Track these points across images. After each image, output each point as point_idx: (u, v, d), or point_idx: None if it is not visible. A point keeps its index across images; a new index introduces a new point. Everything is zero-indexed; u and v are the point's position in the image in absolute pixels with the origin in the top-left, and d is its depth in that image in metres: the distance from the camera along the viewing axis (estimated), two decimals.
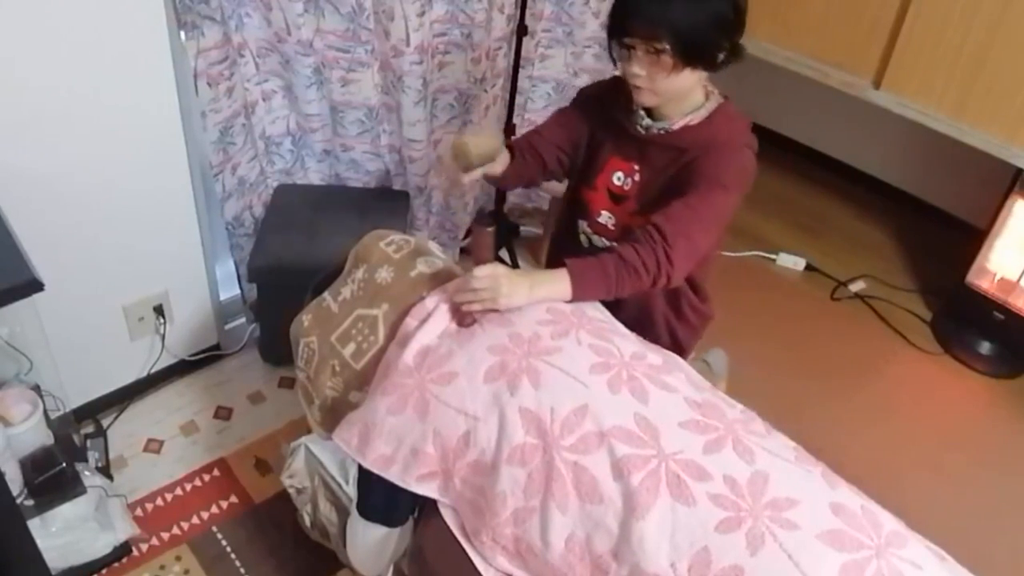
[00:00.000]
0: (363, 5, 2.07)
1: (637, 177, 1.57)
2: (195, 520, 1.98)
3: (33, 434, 1.73)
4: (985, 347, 2.69)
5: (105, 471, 2.02)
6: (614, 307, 1.48)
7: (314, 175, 2.45)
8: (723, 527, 1.10)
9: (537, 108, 2.72)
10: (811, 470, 1.21)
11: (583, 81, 2.69)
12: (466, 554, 1.26)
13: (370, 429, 1.29)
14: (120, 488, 2.00)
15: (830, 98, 2.79)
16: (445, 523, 1.29)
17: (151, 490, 2.04)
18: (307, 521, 1.86)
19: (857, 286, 2.97)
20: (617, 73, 1.53)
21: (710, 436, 1.20)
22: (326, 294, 1.50)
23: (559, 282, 1.39)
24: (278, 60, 2.15)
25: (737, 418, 1.26)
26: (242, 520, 1.99)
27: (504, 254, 2.66)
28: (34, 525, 1.63)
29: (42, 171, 1.78)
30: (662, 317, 1.69)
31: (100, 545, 1.82)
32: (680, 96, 1.48)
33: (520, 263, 2.74)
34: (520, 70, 2.46)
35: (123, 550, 1.87)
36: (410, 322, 1.36)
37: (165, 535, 1.94)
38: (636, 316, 1.52)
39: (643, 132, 1.53)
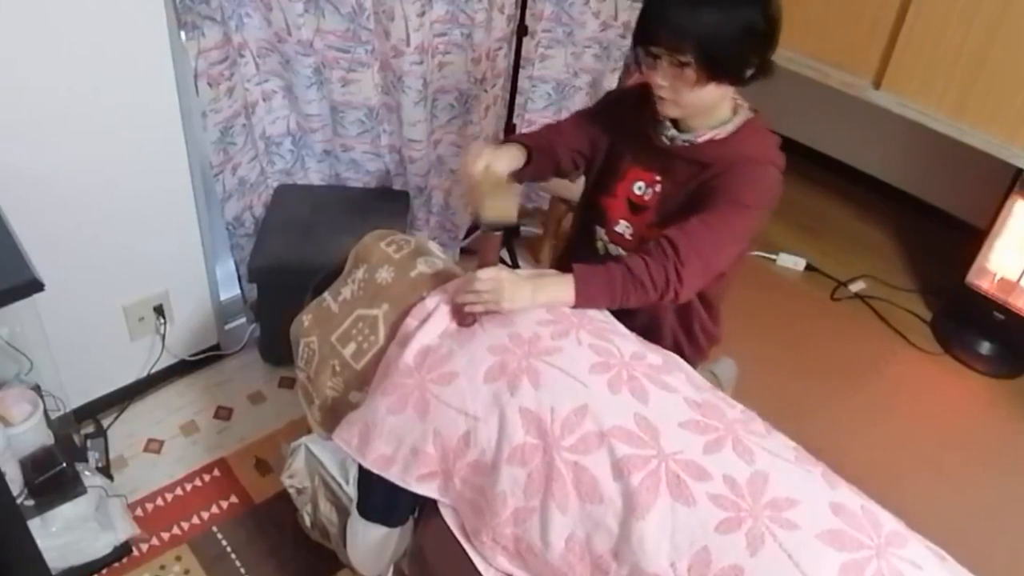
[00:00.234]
0: (363, 5, 2.07)
1: (658, 188, 1.53)
2: (195, 520, 1.98)
3: (33, 434, 1.73)
4: (985, 347, 2.69)
5: (105, 471, 2.02)
6: (624, 317, 1.45)
7: (314, 175, 2.45)
8: (723, 527, 1.10)
9: (537, 108, 2.72)
10: (811, 470, 1.21)
11: (583, 81, 2.69)
12: (466, 554, 1.26)
13: (370, 429, 1.29)
14: (120, 488, 2.00)
15: (830, 98, 2.79)
16: (445, 523, 1.29)
17: (151, 490, 2.04)
18: (307, 521, 1.86)
19: (857, 286, 2.97)
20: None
21: (710, 436, 1.21)
22: (326, 294, 1.50)
23: (563, 288, 1.38)
24: (278, 60, 2.15)
25: (737, 418, 1.26)
26: (242, 520, 1.99)
27: (504, 253, 2.67)
28: (34, 525, 1.63)
29: (42, 171, 1.78)
30: (670, 332, 1.64)
31: (100, 545, 1.82)
32: (706, 109, 1.44)
33: (520, 263, 2.74)
34: (520, 70, 2.46)
35: (123, 550, 1.87)
36: (410, 322, 1.36)
37: (165, 535, 1.94)
38: (644, 328, 1.50)
39: (667, 143, 1.49)
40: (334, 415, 1.43)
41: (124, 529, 1.87)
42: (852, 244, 3.19)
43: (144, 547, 1.91)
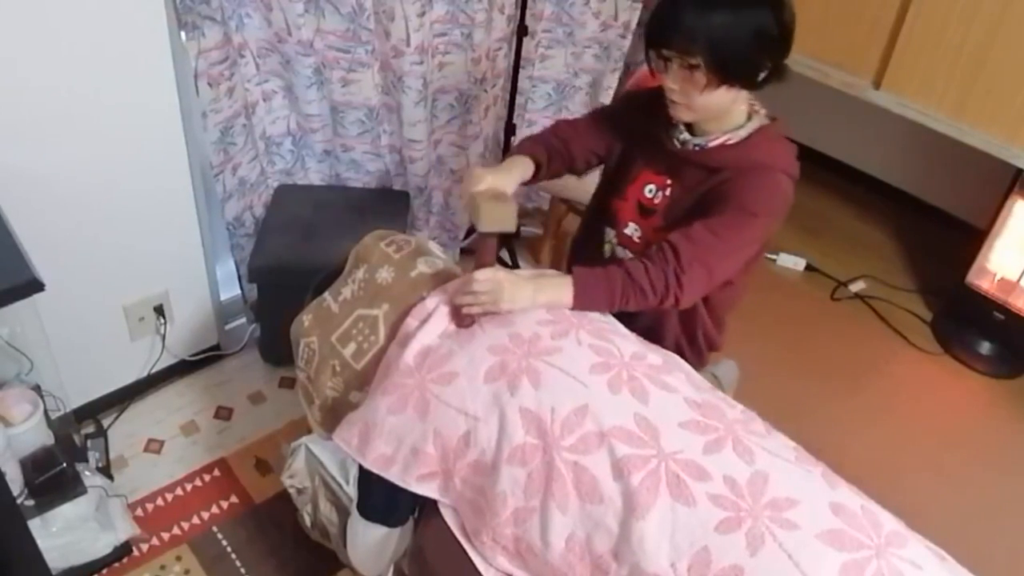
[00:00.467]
0: (363, 5, 2.07)
1: (668, 192, 1.51)
2: (195, 520, 1.98)
3: (33, 434, 1.73)
4: (985, 347, 2.68)
5: (105, 471, 2.02)
6: (627, 319, 1.45)
7: (314, 175, 2.45)
8: (723, 527, 1.10)
9: (537, 108, 2.72)
10: (811, 470, 1.21)
11: (583, 81, 2.69)
12: (466, 554, 1.26)
13: (370, 429, 1.29)
14: (120, 488, 2.00)
15: (830, 98, 2.78)
16: (445, 523, 1.29)
17: (151, 490, 2.04)
18: (307, 521, 1.86)
19: (857, 286, 2.97)
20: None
21: (710, 436, 1.21)
22: (326, 294, 1.50)
23: (562, 290, 1.38)
24: (278, 60, 2.15)
25: (737, 418, 1.26)
26: (242, 520, 1.99)
27: (504, 254, 2.67)
28: (34, 525, 1.63)
29: (42, 171, 1.78)
30: (673, 336, 1.63)
31: (100, 545, 1.81)
32: (718, 113, 1.42)
33: (520, 263, 2.74)
34: (520, 70, 2.46)
35: (123, 550, 1.87)
36: (411, 322, 1.36)
37: (165, 535, 1.94)
38: (647, 330, 1.49)
39: (679, 147, 1.48)
40: (334, 415, 1.43)
41: (124, 529, 1.87)
42: (852, 244, 3.19)
43: (144, 547, 1.91)
